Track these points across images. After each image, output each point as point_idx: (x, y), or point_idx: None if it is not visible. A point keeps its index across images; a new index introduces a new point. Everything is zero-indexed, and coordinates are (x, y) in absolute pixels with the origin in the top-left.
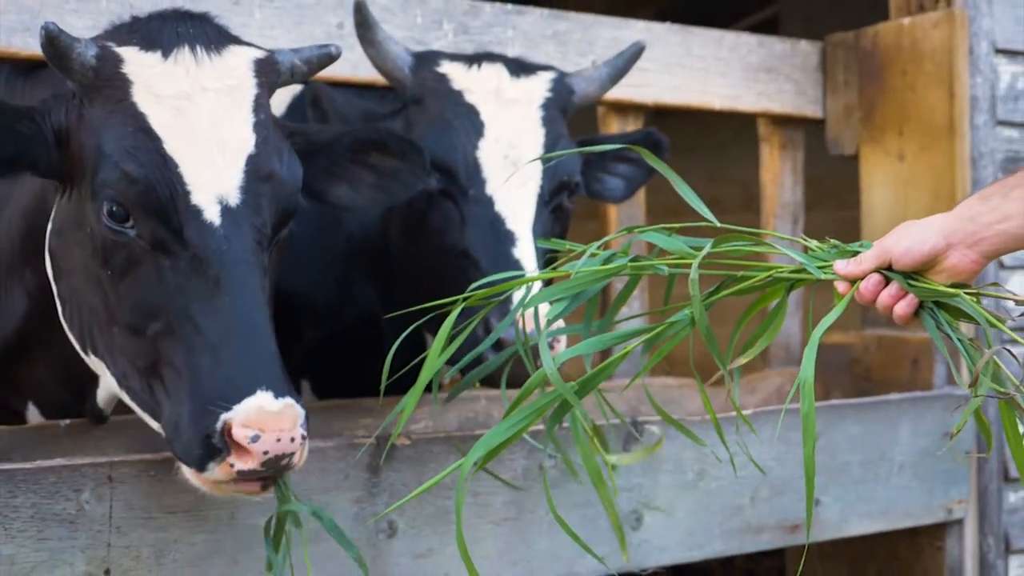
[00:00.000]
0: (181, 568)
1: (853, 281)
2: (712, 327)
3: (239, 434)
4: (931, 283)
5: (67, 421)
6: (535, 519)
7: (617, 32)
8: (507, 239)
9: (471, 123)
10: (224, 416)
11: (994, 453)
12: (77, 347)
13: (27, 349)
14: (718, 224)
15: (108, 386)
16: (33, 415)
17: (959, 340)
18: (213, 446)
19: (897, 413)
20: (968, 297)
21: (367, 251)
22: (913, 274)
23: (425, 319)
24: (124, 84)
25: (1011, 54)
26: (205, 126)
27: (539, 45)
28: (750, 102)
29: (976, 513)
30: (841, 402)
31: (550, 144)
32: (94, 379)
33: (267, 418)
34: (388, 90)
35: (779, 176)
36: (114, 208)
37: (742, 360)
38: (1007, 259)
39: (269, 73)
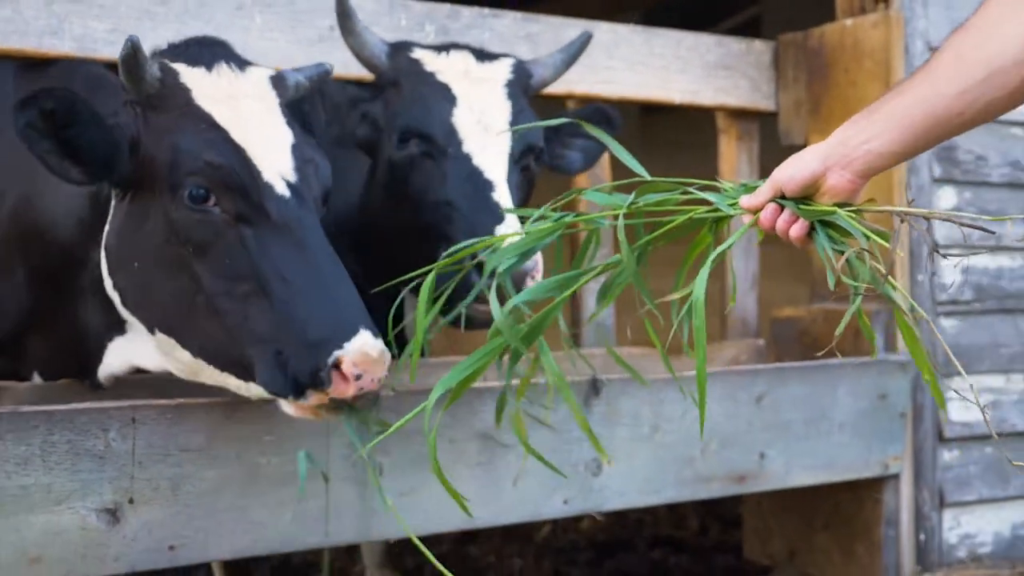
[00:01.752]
0: (194, 499)
1: (756, 213)
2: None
3: (349, 370)
4: (815, 205)
5: None
6: (505, 464)
7: None
8: (486, 186)
9: (444, 96)
10: (337, 352)
11: (929, 415)
12: (143, 329)
13: (35, 325)
14: (649, 177)
15: (115, 364)
16: (37, 381)
17: (840, 251)
18: (319, 379)
19: (838, 376)
20: (845, 213)
21: (351, 228)
22: (804, 200)
23: (410, 287)
24: (185, 92)
25: None
26: (255, 122)
27: (513, 45)
28: (709, 97)
29: (912, 469)
30: (785, 365)
31: (515, 113)
32: (98, 356)
33: (372, 362)
34: (371, 85)
35: (736, 165)
36: (196, 192)
37: (676, 296)
38: (941, 241)
39: (280, 88)
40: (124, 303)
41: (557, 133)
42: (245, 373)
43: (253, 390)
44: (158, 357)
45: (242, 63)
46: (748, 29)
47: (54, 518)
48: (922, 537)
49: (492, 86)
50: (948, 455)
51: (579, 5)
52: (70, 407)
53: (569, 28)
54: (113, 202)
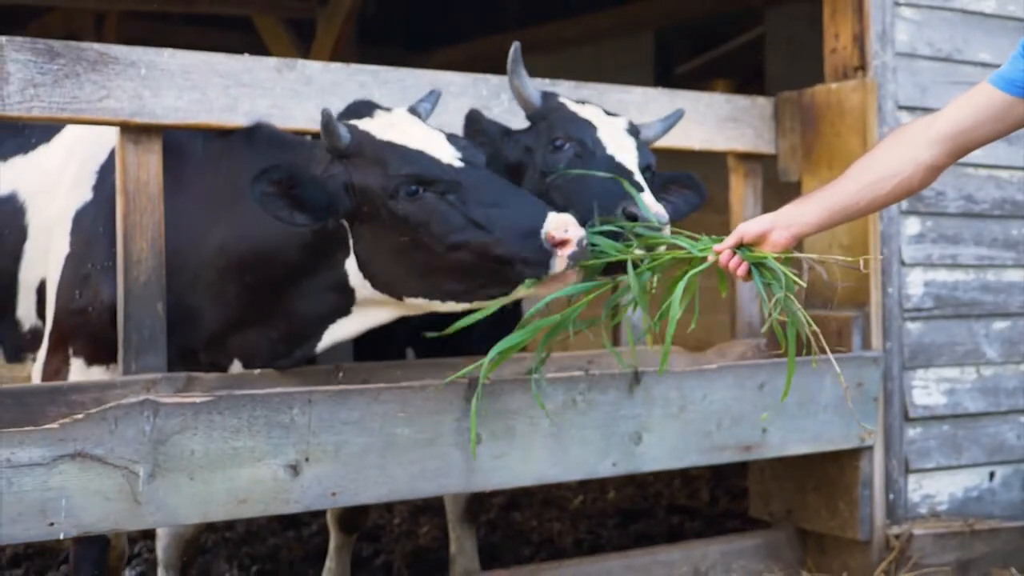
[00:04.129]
0: (349, 458)
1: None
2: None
3: (557, 233)
4: (757, 252)
5: (258, 371)
6: (569, 436)
7: (623, 96)
8: (628, 174)
9: (588, 123)
10: (543, 230)
11: (897, 400)
12: (382, 302)
13: (244, 325)
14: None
15: (336, 335)
16: (235, 367)
17: (767, 286)
18: (545, 251)
19: (823, 368)
20: (771, 259)
21: None
22: (751, 249)
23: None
24: (367, 135)
25: (910, 109)
26: (418, 135)
27: None
28: (721, 144)
29: (883, 442)
30: (781, 359)
31: (638, 147)
32: (317, 335)
33: (566, 220)
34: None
35: (743, 197)
36: (410, 190)
37: (661, 310)
38: (908, 261)
39: (417, 116)
40: (376, 287)
41: (652, 184)
42: (497, 289)
43: (519, 292)
44: (384, 316)
45: (387, 109)
46: (753, 47)
47: (255, 471)
48: (891, 497)
49: (618, 126)
50: (912, 431)
51: (594, 24)
52: (267, 391)
53: (611, 92)
54: (349, 229)
